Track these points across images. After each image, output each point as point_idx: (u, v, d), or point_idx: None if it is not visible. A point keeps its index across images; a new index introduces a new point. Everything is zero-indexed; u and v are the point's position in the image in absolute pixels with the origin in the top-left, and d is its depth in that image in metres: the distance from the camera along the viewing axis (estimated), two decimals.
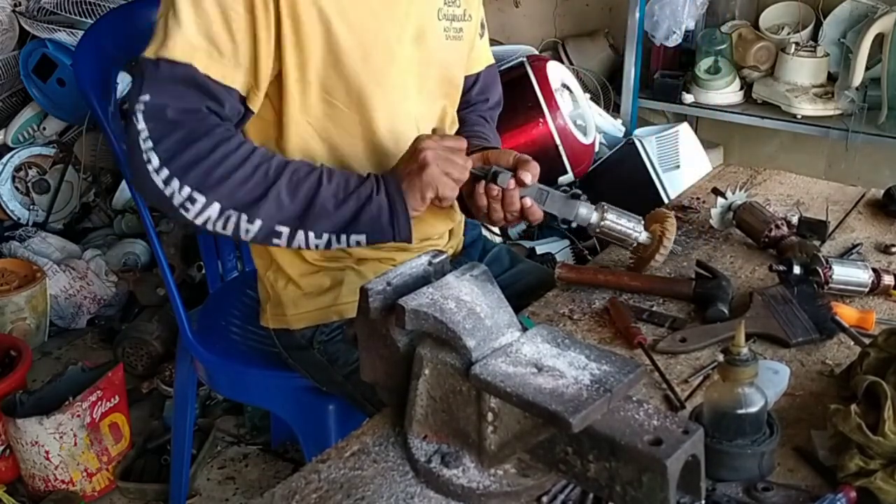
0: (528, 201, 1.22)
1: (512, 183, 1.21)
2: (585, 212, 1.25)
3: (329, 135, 1.27)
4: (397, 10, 1.26)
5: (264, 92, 1.21)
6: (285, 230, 1.13)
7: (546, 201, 1.24)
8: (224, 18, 1.13)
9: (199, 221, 1.11)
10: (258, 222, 1.12)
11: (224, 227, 1.11)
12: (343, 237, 1.16)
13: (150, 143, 1.08)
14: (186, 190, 1.09)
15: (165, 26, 1.13)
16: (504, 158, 1.26)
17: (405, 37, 1.28)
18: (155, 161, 1.09)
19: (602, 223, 1.26)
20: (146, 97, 1.09)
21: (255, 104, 1.20)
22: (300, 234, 1.14)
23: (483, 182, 1.22)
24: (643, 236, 1.28)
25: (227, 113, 1.16)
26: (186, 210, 1.10)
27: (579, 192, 1.26)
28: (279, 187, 1.12)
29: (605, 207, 1.27)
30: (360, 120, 1.27)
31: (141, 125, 1.09)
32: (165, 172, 1.08)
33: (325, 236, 1.16)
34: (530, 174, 1.21)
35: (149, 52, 1.13)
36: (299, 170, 1.15)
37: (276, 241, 1.14)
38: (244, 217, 1.11)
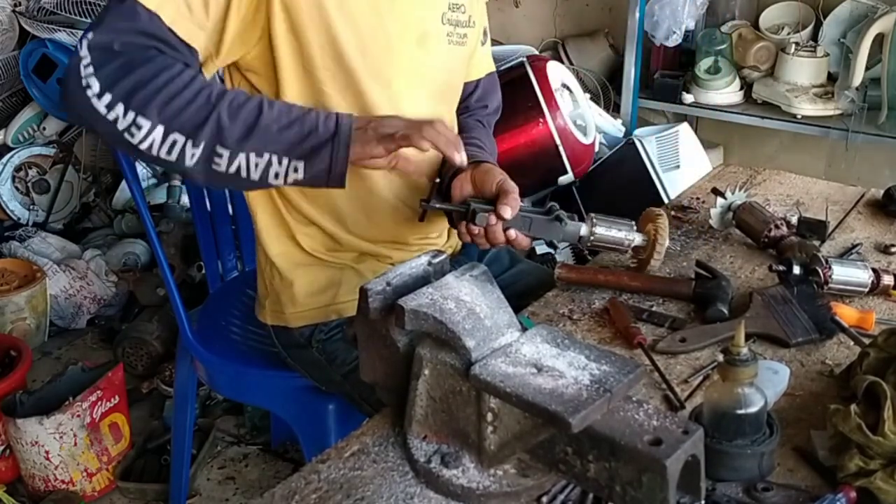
0: (512, 233, 1.20)
1: (493, 219, 1.18)
2: (573, 229, 1.24)
3: None
4: (399, 8, 1.26)
5: (219, 61, 1.19)
6: (225, 152, 1.10)
7: (531, 227, 1.22)
8: None
9: (143, 146, 1.09)
10: (201, 145, 1.09)
11: (169, 153, 1.09)
12: (284, 161, 1.12)
13: (90, 70, 1.07)
14: (131, 115, 1.07)
15: None
16: (489, 183, 1.23)
17: (407, 37, 1.28)
18: (95, 86, 1.07)
19: (592, 237, 1.25)
20: (98, 31, 1.08)
21: (209, 70, 1.19)
22: (241, 155, 1.11)
23: (464, 222, 1.21)
24: (637, 239, 1.28)
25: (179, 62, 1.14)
26: (132, 135, 1.08)
27: (556, 206, 1.24)
28: (220, 111, 1.09)
29: (594, 220, 1.26)
30: (359, 114, 1.26)
31: (84, 52, 1.07)
32: (108, 97, 1.07)
33: (266, 156, 1.11)
34: (510, 208, 1.17)
35: None
36: (240, 96, 1.13)
37: (217, 161, 1.11)
38: (189, 142, 1.09)
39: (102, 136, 1.14)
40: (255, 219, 1.38)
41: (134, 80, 1.07)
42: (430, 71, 1.33)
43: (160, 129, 1.08)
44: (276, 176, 1.13)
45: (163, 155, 1.10)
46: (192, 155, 1.10)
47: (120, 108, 1.07)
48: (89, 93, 1.07)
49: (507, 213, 1.17)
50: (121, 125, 1.07)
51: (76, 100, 1.08)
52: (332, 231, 1.35)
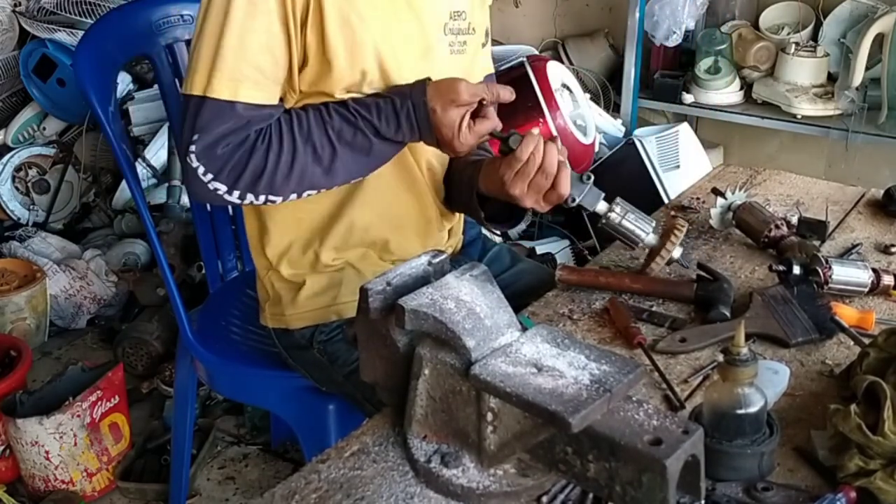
0: (561, 157, 1.21)
1: (535, 132, 1.21)
2: (592, 196, 1.24)
3: None
4: (403, 26, 1.27)
5: (297, 94, 1.25)
6: (359, 176, 1.27)
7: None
8: (267, 44, 1.18)
9: (291, 200, 1.24)
10: (334, 185, 1.25)
11: (309, 195, 1.24)
12: (395, 146, 1.25)
13: (210, 176, 1.19)
14: (262, 197, 1.21)
15: (210, 59, 1.17)
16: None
17: (412, 52, 1.29)
18: (222, 188, 1.20)
19: (605, 219, 1.25)
20: (196, 137, 1.18)
21: (289, 103, 1.26)
22: (368, 170, 1.26)
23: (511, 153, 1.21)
24: (650, 239, 1.27)
25: (272, 120, 1.22)
26: (274, 202, 1.23)
27: (591, 176, 1.25)
28: (339, 154, 1.21)
29: (617, 204, 1.25)
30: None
31: (196, 163, 1.18)
32: (237, 193, 1.20)
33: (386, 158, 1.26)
34: (507, 90, 1.24)
35: (195, 89, 1.18)
36: (342, 126, 1.21)
37: (353, 182, 1.27)
38: (324, 189, 1.24)
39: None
40: (251, 226, 1.39)
41: (250, 174, 1.19)
42: None
43: (294, 196, 1.23)
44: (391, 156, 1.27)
45: (308, 195, 1.24)
46: (332, 186, 1.25)
47: (251, 196, 1.21)
48: (219, 192, 1.20)
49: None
50: (259, 202, 1.22)
51: (211, 199, 1.22)
52: (340, 235, 1.36)
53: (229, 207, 1.86)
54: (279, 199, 1.22)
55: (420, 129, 1.21)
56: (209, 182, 1.19)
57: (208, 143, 1.17)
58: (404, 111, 1.21)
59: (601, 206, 1.25)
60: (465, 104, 1.20)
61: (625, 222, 1.26)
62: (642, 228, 1.26)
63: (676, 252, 1.27)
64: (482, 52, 1.48)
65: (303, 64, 1.23)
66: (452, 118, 1.19)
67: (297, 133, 1.20)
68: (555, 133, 2.48)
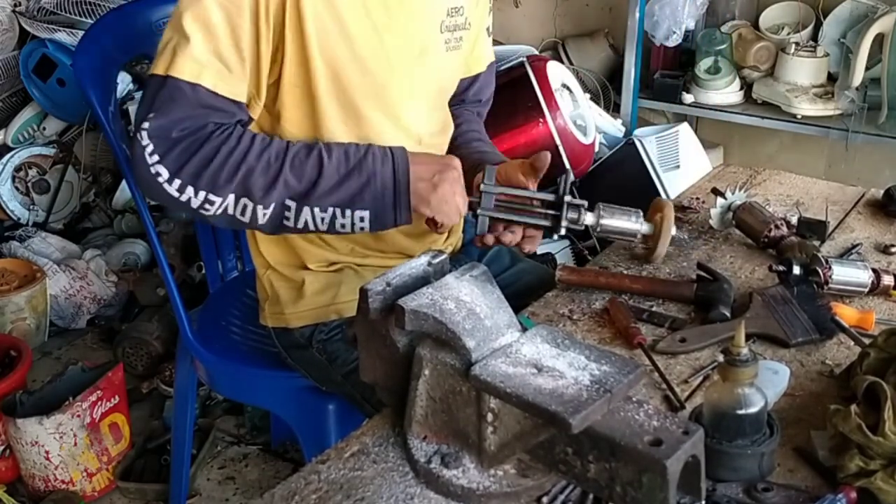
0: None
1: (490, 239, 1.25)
2: (571, 225, 1.24)
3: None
4: (398, 25, 1.26)
5: (263, 100, 1.23)
6: (293, 207, 1.17)
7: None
8: (233, 35, 1.16)
9: (218, 214, 1.17)
10: (271, 206, 1.16)
11: (242, 215, 1.17)
12: (348, 213, 1.18)
13: (156, 157, 1.13)
14: (202, 194, 1.14)
15: (174, 43, 1.15)
16: (514, 177, 1.28)
17: (407, 52, 1.28)
18: (164, 173, 1.14)
19: (599, 227, 1.25)
20: (152, 115, 1.14)
21: (256, 111, 1.23)
22: (306, 210, 1.17)
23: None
24: (645, 227, 1.28)
25: (232, 122, 1.18)
26: (206, 210, 1.16)
27: (565, 194, 1.24)
28: (284, 172, 1.16)
29: (601, 209, 1.26)
30: (359, 134, 1.27)
31: (146, 141, 1.13)
32: (177, 182, 1.14)
33: (330, 210, 1.18)
34: (529, 244, 1.27)
35: (158, 69, 1.16)
36: (300, 151, 1.18)
37: (286, 215, 1.18)
38: (260, 206, 1.16)
39: (179, 213, 1.26)
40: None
41: (197, 162, 1.13)
42: (428, 82, 1.33)
43: (231, 199, 1.16)
44: (343, 226, 1.20)
45: (238, 217, 1.17)
46: (264, 215, 1.17)
47: (190, 190, 1.14)
48: (160, 179, 1.14)
49: (527, 247, 1.28)
50: (194, 204, 1.15)
51: (148, 185, 1.15)
52: (334, 243, 1.36)
53: None
54: (216, 201, 1.15)
55: (396, 172, 1.18)
56: (153, 164, 1.13)
57: (164, 123, 1.13)
58: (378, 153, 1.19)
59: (589, 220, 1.25)
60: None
61: (618, 223, 1.26)
62: (633, 222, 1.27)
63: (673, 230, 1.30)
64: (482, 42, 1.48)
65: (281, 66, 1.21)
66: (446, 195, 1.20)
67: (257, 139, 1.17)
68: (555, 133, 2.48)
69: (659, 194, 2.58)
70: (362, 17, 1.22)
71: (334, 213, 1.18)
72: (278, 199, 1.16)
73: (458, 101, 1.50)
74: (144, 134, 1.13)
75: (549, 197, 1.24)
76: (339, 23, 1.20)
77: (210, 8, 1.14)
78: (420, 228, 1.35)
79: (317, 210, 1.17)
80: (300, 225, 1.18)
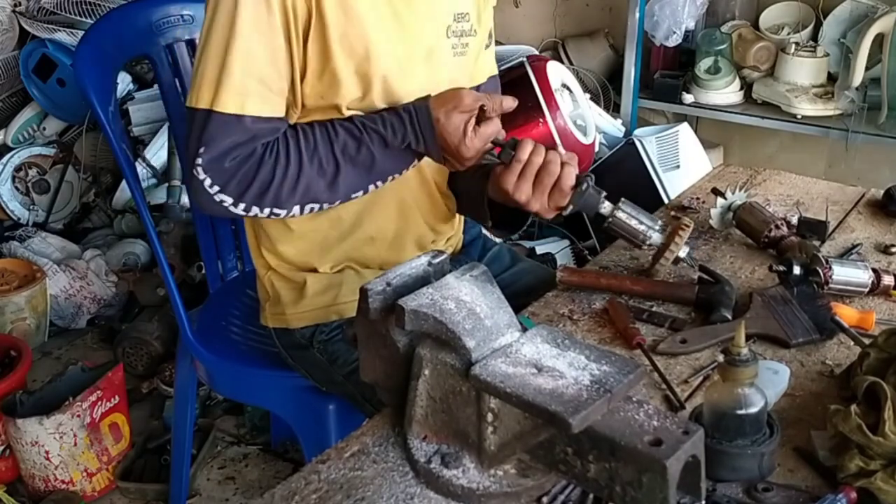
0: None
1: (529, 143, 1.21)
2: (591, 201, 1.23)
3: None
4: (406, 28, 1.26)
5: (300, 106, 1.26)
6: (359, 193, 1.26)
7: None
8: (272, 57, 1.19)
9: (293, 216, 1.25)
10: (337, 201, 1.25)
11: (314, 211, 1.25)
12: (399, 172, 1.27)
13: (216, 188, 1.19)
14: (267, 210, 1.22)
15: (216, 73, 1.17)
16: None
17: (415, 56, 1.29)
18: (228, 200, 1.20)
19: (611, 219, 1.24)
20: (202, 150, 1.18)
21: (294, 117, 1.27)
22: (371, 187, 1.26)
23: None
24: (655, 238, 1.25)
25: (279, 135, 1.22)
26: (277, 216, 1.24)
27: (590, 178, 1.23)
28: (342, 169, 1.22)
29: (622, 204, 1.24)
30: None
31: (202, 175, 1.18)
32: (243, 205, 1.21)
33: (389, 178, 1.26)
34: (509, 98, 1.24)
35: (202, 101, 1.18)
36: (348, 144, 1.22)
37: (353, 197, 1.26)
38: (325, 205, 1.24)
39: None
40: (251, 227, 1.39)
41: (257, 187, 1.19)
42: (435, 86, 1.33)
43: (297, 209, 1.23)
44: (394, 177, 1.27)
45: (309, 212, 1.25)
46: (332, 203, 1.25)
47: (256, 209, 1.21)
48: (225, 204, 1.21)
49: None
50: (263, 216, 1.23)
51: (217, 211, 1.22)
52: (333, 243, 1.36)
53: None
54: (283, 213, 1.22)
55: (425, 137, 1.21)
56: (216, 194, 1.19)
57: (215, 156, 1.17)
58: (408, 118, 1.21)
59: (605, 208, 1.24)
60: (468, 110, 1.20)
61: (632, 222, 1.24)
62: (650, 227, 1.25)
63: (683, 251, 1.26)
64: (486, 53, 1.48)
65: (303, 76, 1.23)
66: (456, 123, 1.19)
67: (304, 148, 1.21)
68: (555, 133, 2.48)
69: (659, 194, 2.58)
70: (373, 21, 1.23)
71: (390, 178, 1.27)
72: (344, 192, 1.23)
73: None
74: (200, 169, 1.18)
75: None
76: (364, 40, 1.22)
77: (246, 35, 1.16)
78: (425, 238, 1.37)
79: (379, 183, 1.26)
80: (367, 193, 1.27)
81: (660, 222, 1.26)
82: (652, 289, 1.28)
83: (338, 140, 1.22)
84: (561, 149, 1.24)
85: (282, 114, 1.23)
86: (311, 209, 1.24)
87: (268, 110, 1.20)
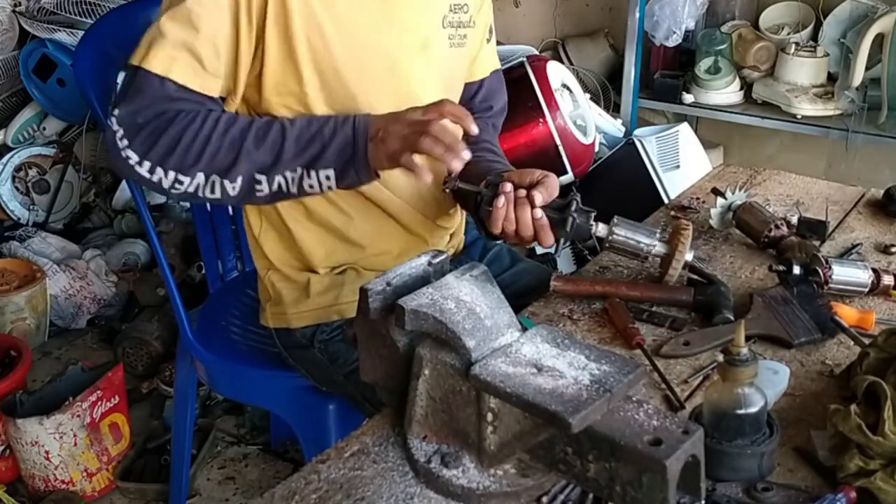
0: (538, 212, 1.19)
1: (507, 186, 1.19)
2: (581, 231, 1.21)
3: None
4: (399, 19, 1.26)
5: (240, 95, 1.25)
6: (263, 178, 1.19)
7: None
8: (210, 32, 1.17)
9: (190, 192, 1.19)
10: (239, 179, 1.18)
11: (212, 192, 1.19)
12: (313, 173, 1.18)
13: (125, 142, 1.17)
14: (171, 174, 1.17)
15: (151, 37, 1.19)
16: (526, 175, 1.24)
17: (409, 46, 1.28)
18: (134, 157, 1.17)
19: (611, 238, 1.23)
20: (121, 103, 1.18)
21: (232, 105, 1.26)
22: (276, 177, 1.19)
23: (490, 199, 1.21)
24: (659, 247, 1.24)
25: (202, 109, 1.20)
26: (177, 189, 1.19)
27: (576, 199, 1.22)
28: (248, 146, 1.18)
29: (615, 222, 1.23)
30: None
31: (115, 127, 1.17)
32: (147, 164, 1.17)
33: (298, 170, 1.18)
34: (540, 194, 1.19)
35: (133, 60, 1.19)
36: (263, 124, 1.20)
37: (257, 189, 1.19)
38: (226, 180, 1.18)
39: (154, 191, 1.31)
40: (252, 227, 1.38)
41: (163, 145, 1.16)
42: (432, 77, 1.33)
43: (201, 177, 1.18)
44: (311, 187, 1.20)
45: (208, 195, 1.20)
46: (234, 188, 1.19)
47: (160, 171, 1.17)
48: (131, 162, 1.18)
49: (538, 198, 1.18)
50: (166, 184, 1.18)
51: (121, 168, 1.19)
52: (335, 242, 1.36)
53: (229, 207, 1.86)
54: (186, 182, 1.17)
55: (356, 131, 1.17)
56: (123, 149, 1.17)
57: (131, 110, 1.17)
58: (342, 119, 1.19)
59: (600, 230, 1.22)
60: (414, 120, 1.15)
61: (631, 241, 1.23)
62: (647, 239, 1.24)
63: (689, 255, 1.25)
64: (487, 47, 1.47)
65: (262, 66, 1.22)
66: (398, 129, 1.15)
67: (223, 118, 1.19)
68: (555, 133, 2.48)
69: (659, 194, 2.58)
70: (356, 10, 1.22)
71: (301, 174, 1.19)
72: (246, 174, 1.18)
73: (467, 110, 1.50)
74: (114, 120, 1.17)
75: (556, 200, 1.22)
76: (333, 18, 1.20)
77: (189, 5, 1.16)
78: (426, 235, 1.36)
79: (287, 173, 1.18)
80: (273, 191, 1.20)
81: (657, 232, 1.25)
82: (648, 293, 1.26)
83: (257, 120, 1.21)
84: (537, 174, 1.21)
85: (213, 94, 1.21)
86: (212, 184, 1.18)
87: (196, 83, 1.19)
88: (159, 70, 1.17)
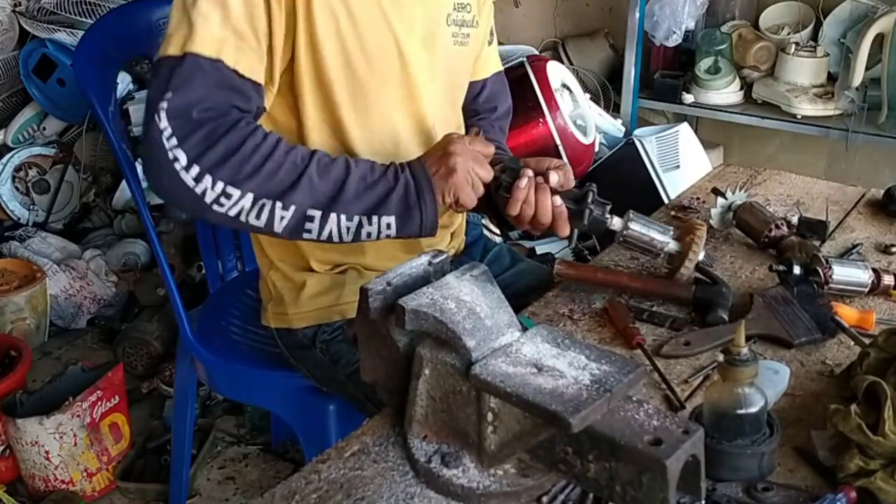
0: (557, 199, 1.18)
1: (529, 173, 1.19)
2: (596, 224, 1.21)
3: (340, 136, 1.27)
4: (405, 12, 1.26)
5: (276, 87, 1.20)
6: (317, 214, 1.11)
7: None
8: (248, 14, 1.12)
9: (231, 213, 1.09)
10: (292, 208, 1.10)
11: (258, 217, 1.09)
12: (374, 219, 1.14)
13: (174, 142, 1.05)
14: (220, 185, 1.06)
15: (188, 20, 1.09)
16: (543, 163, 1.24)
17: (414, 39, 1.28)
18: (183, 159, 1.05)
19: (626, 232, 1.23)
20: (170, 94, 1.06)
21: (269, 100, 1.20)
22: (332, 217, 1.12)
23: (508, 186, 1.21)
24: (672, 245, 1.24)
25: (251, 108, 1.14)
26: (220, 205, 1.08)
27: (593, 189, 1.22)
28: (310, 173, 1.11)
29: (631, 216, 1.23)
30: (365, 122, 1.27)
31: (164, 123, 1.05)
32: (196, 170, 1.06)
33: (356, 219, 1.13)
34: (557, 174, 1.19)
35: (172, 49, 1.09)
36: (325, 156, 1.15)
37: (308, 227, 1.12)
38: (279, 204, 1.09)
39: (184, 209, 1.13)
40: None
41: (222, 149, 1.06)
42: (436, 73, 1.33)
43: (249, 197, 1.08)
44: (370, 235, 1.15)
45: (251, 221, 1.10)
46: (283, 217, 1.10)
47: (207, 179, 1.06)
48: (177, 165, 1.05)
49: (554, 178, 1.18)
50: (209, 197, 1.07)
51: (163, 173, 1.06)
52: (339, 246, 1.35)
53: None
54: (234, 196, 1.07)
55: (416, 177, 1.15)
56: (171, 149, 1.04)
57: (185, 103, 1.05)
58: (399, 167, 1.17)
59: (615, 224, 1.22)
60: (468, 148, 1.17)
61: (646, 236, 1.23)
62: (663, 237, 1.24)
63: (702, 254, 1.25)
64: (489, 49, 1.48)
65: (293, 51, 1.19)
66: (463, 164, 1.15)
67: (283, 140, 1.13)
68: (555, 133, 2.48)
69: (659, 194, 2.58)
70: (370, 3, 1.22)
71: (360, 221, 1.13)
72: (301, 205, 1.10)
73: (471, 112, 1.50)
74: (163, 115, 1.05)
75: (573, 191, 1.22)
76: (346, 8, 1.20)
77: None
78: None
79: (343, 217, 1.12)
80: (324, 235, 1.13)
81: (671, 230, 1.26)
82: (649, 286, 1.27)
83: (322, 152, 1.15)
84: (554, 178, 1.20)
85: (260, 80, 1.14)
86: (260, 207, 1.09)
87: (244, 66, 1.10)
88: (210, 52, 1.07)
